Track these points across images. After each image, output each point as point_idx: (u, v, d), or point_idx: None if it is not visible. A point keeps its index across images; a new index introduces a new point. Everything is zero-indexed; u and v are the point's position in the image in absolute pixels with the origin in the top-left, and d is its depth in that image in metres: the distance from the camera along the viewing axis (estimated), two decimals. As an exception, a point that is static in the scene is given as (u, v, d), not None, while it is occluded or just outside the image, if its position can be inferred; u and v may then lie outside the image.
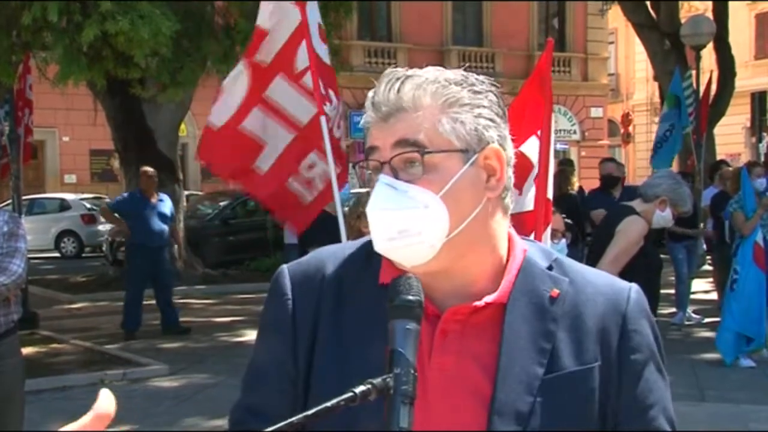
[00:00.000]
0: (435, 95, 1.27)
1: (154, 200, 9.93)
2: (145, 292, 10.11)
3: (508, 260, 1.33)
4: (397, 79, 1.28)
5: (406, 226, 1.24)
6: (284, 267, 1.40)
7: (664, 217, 4.72)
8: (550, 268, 1.33)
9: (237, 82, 5.18)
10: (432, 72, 1.30)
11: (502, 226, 1.34)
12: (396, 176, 1.26)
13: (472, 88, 1.30)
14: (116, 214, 10.42)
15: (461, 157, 1.27)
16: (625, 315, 1.31)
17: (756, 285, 7.83)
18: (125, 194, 10.47)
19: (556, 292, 1.30)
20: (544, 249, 1.38)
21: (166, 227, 10.01)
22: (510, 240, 1.35)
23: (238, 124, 5.19)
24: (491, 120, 1.30)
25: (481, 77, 1.33)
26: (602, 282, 1.34)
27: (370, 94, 1.31)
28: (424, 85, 1.28)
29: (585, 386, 1.26)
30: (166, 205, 10.11)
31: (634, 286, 1.34)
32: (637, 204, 4.77)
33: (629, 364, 1.29)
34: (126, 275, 10.59)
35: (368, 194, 4.88)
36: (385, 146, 1.27)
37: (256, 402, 1.36)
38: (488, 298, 1.28)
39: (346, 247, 1.42)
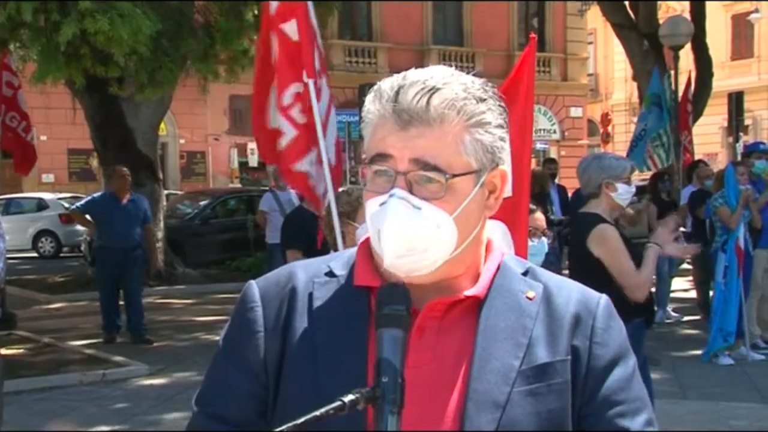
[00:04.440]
0: (462, 113, 1.26)
1: (125, 201, 9.57)
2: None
3: (486, 259, 1.35)
4: (429, 90, 1.25)
5: (415, 244, 1.25)
6: (252, 281, 1.40)
7: (621, 195, 4.39)
8: (524, 274, 1.36)
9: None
10: (458, 84, 1.27)
11: (485, 233, 1.36)
12: (410, 190, 1.25)
13: (493, 104, 1.29)
14: (87, 216, 10.10)
15: (474, 177, 1.28)
16: (595, 316, 1.34)
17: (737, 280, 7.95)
18: (96, 195, 10.17)
19: (531, 294, 1.33)
20: (518, 259, 1.41)
21: (135, 229, 9.60)
22: (488, 242, 1.38)
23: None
24: (504, 140, 1.31)
25: (490, 85, 1.31)
26: (574, 288, 1.38)
27: (387, 89, 1.27)
28: (454, 102, 1.25)
29: (560, 377, 1.28)
30: (139, 206, 9.71)
31: (604, 296, 1.38)
32: (593, 206, 4.45)
33: (595, 359, 1.31)
34: (95, 278, 10.35)
35: (347, 193, 4.77)
36: (402, 157, 1.25)
37: (222, 411, 1.33)
38: (467, 292, 1.30)
39: (319, 259, 1.43)
